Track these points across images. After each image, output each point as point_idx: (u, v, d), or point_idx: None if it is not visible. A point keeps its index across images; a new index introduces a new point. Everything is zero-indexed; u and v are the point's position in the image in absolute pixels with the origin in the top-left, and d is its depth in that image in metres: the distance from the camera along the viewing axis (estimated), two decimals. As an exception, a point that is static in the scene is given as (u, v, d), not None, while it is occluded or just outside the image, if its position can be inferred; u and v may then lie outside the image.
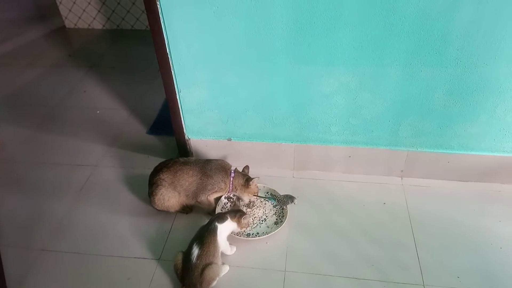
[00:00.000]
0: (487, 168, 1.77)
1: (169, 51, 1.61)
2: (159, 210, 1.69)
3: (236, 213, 1.54)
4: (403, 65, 1.51)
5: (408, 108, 1.63)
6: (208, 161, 1.70)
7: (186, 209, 1.72)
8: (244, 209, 1.68)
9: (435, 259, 1.52)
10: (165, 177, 1.64)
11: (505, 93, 1.53)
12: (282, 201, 1.70)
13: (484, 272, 1.47)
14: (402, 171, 1.83)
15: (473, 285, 1.43)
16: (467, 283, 1.44)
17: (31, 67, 2.89)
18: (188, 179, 1.64)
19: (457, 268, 1.49)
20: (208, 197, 1.66)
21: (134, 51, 3.06)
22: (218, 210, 1.71)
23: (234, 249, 1.55)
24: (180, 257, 1.45)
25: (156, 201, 1.65)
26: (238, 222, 1.53)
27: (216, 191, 1.67)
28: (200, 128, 1.86)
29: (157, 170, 1.67)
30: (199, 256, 1.40)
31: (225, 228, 1.50)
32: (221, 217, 1.51)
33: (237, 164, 1.90)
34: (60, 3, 3.31)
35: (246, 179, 1.67)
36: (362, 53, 1.50)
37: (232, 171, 1.69)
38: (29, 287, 1.49)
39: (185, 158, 1.72)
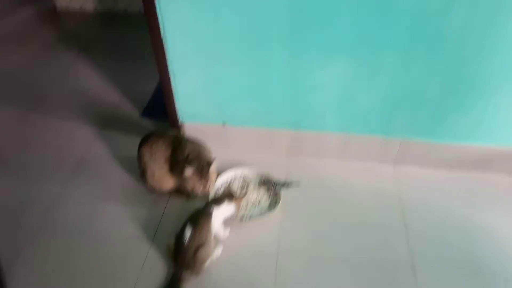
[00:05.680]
0: (479, 158, 1.79)
1: (164, 35, 1.58)
2: (154, 190, 1.67)
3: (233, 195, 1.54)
4: (400, 55, 1.51)
5: (403, 98, 1.64)
6: (185, 141, 1.61)
7: (180, 190, 1.68)
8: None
9: (426, 245, 1.54)
10: (145, 151, 1.61)
11: (498, 85, 1.54)
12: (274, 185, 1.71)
13: (474, 259, 1.50)
14: (395, 159, 1.85)
15: (463, 272, 1.46)
16: (458, 269, 1.47)
17: (20, 49, 2.81)
18: (161, 154, 1.58)
19: (448, 255, 1.51)
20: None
21: (127, 34, 2.99)
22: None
23: (228, 232, 1.55)
24: (173, 239, 1.45)
25: (148, 178, 1.63)
26: (237, 203, 1.53)
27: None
28: (194, 112, 1.84)
29: (139, 145, 1.64)
30: (191, 237, 1.40)
31: (221, 213, 1.50)
32: (218, 201, 1.50)
33: (231, 149, 1.89)
34: (51, -17, 3.23)
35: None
36: (359, 42, 1.49)
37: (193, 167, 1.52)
38: (22, 264, 1.49)
39: (163, 131, 1.65)
